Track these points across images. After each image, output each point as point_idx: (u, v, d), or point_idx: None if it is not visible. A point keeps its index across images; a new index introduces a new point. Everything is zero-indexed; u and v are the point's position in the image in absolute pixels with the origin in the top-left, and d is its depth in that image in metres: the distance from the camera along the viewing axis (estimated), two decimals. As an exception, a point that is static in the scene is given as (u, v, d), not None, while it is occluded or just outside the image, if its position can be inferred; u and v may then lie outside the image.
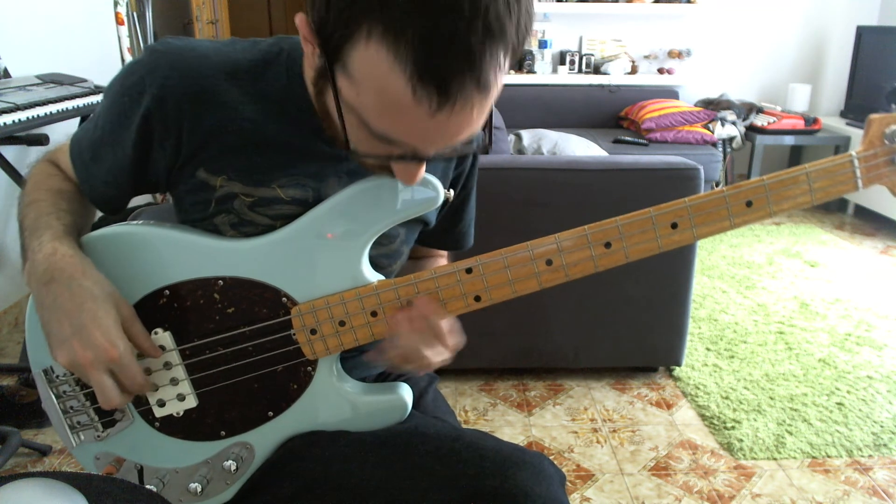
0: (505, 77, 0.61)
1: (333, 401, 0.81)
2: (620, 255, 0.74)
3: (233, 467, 0.81)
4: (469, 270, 0.75)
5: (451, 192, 0.79)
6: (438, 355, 0.77)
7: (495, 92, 0.60)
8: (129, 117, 0.75)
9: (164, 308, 0.78)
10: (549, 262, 0.74)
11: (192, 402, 0.80)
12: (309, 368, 0.80)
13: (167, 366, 0.79)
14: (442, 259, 1.02)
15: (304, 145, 0.77)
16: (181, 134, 0.75)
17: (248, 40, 0.79)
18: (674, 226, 0.73)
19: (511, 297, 0.76)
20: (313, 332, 0.78)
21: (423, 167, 0.68)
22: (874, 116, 0.73)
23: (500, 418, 1.98)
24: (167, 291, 0.78)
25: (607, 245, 0.74)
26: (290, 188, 0.78)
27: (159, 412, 0.80)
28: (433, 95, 0.56)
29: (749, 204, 0.73)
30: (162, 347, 0.78)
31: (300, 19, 0.63)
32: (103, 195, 0.83)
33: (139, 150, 0.76)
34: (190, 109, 0.74)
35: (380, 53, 0.56)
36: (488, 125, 0.66)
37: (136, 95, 0.74)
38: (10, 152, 2.22)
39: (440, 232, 0.95)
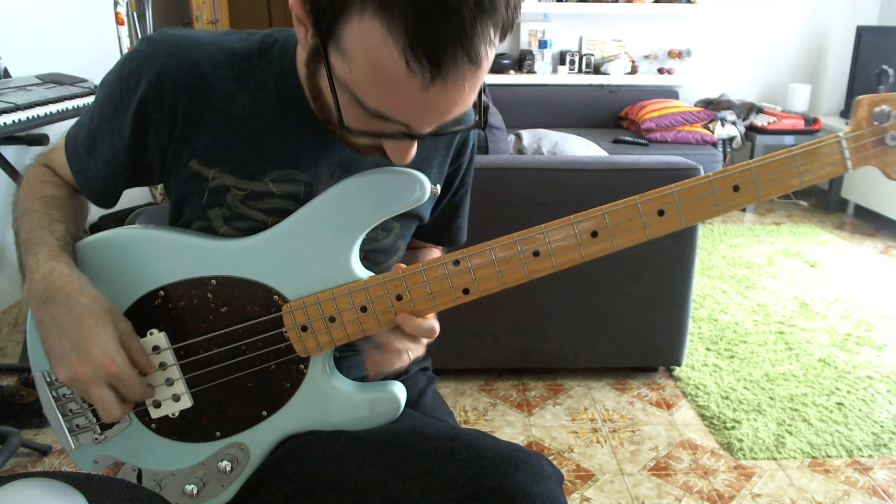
0: (495, 52, 0.62)
1: (326, 399, 0.81)
2: (607, 244, 0.74)
3: (228, 468, 0.81)
4: (456, 263, 0.75)
5: (438, 186, 0.80)
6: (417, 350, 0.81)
7: (486, 67, 0.61)
8: (125, 105, 0.76)
9: (159, 309, 0.79)
10: (535, 253, 0.74)
11: (187, 402, 0.80)
12: (301, 366, 0.80)
13: (162, 366, 0.79)
14: (436, 251, 1.03)
15: (297, 135, 0.78)
16: (175, 120, 0.76)
17: (244, 31, 0.80)
18: (660, 213, 0.73)
19: (499, 289, 0.76)
20: (304, 328, 0.78)
21: (415, 146, 0.68)
22: (862, 97, 0.72)
23: (500, 418, 1.98)
24: (162, 292, 0.79)
25: (594, 234, 0.74)
26: (282, 183, 0.79)
27: (155, 413, 0.81)
28: (426, 68, 0.57)
29: (736, 188, 0.72)
30: (157, 348, 0.79)
31: (293, 0, 0.64)
32: (98, 187, 0.83)
33: (135, 137, 0.77)
34: (185, 96, 0.75)
35: (373, 27, 0.57)
36: (479, 101, 0.66)
37: (133, 83, 0.75)
38: (10, 152, 2.22)
39: (436, 229, 0.97)
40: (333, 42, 0.61)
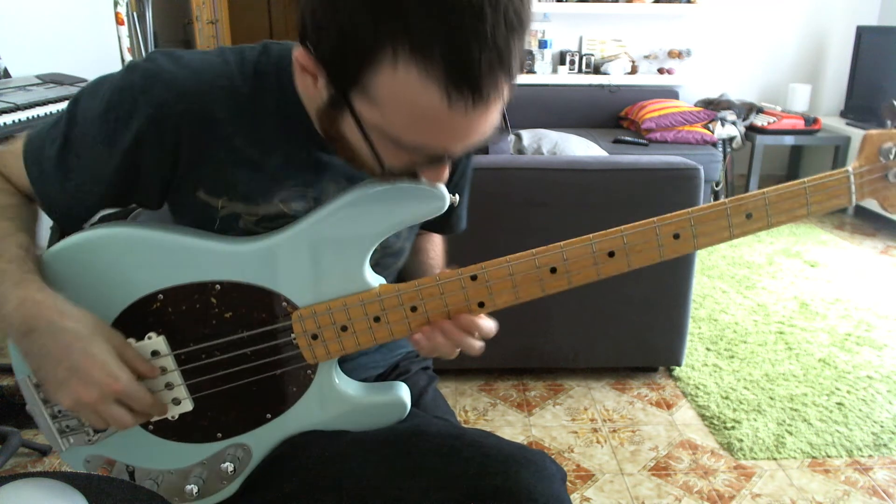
0: None
1: (332, 402, 0.81)
2: (623, 264, 0.75)
3: (230, 469, 0.80)
4: (474, 277, 0.75)
5: (457, 196, 0.79)
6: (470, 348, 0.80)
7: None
8: (115, 137, 0.72)
9: (158, 312, 0.77)
10: (553, 270, 0.75)
11: (187, 405, 0.79)
12: (308, 372, 0.79)
13: (162, 371, 0.77)
14: (435, 238, 1.02)
15: (301, 155, 0.77)
16: (178, 154, 0.74)
17: (236, 50, 0.77)
18: (676, 236, 0.75)
19: (514, 303, 0.77)
20: (314, 336, 0.77)
21: (448, 165, 0.69)
22: (871, 133, 0.76)
23: (500, 418, 1.98)
24: (161, 296, 0.76)
25: (611, 254, 0.75)
26: (293, 201, 0.78)
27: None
28: (468, 98, 0.58)
29: (749, 216, 0.75)
30: (156, 353, 0.77)
31: (300, 54, 0.63)
32: (65, 208, 0.79)
33: (125, 170, 0.74)
34: (187, 130, 0.72)
35: (409, 73, 0.57)
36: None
37: (126, 116, 0.71)
38: (10, 152, 2.22)
39: (436, 220, 0.96)
40: (358, 90, 0.61)
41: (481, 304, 0.76)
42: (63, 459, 0.82)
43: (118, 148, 0.73)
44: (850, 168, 0.75)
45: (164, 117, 0.71)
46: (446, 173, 0.70)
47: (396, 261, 0.88)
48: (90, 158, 0.75)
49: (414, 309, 0.76)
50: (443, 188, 0.75)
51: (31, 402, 0.80)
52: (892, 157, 0.75)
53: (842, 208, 0.76)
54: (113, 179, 0.75)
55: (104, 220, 0.84)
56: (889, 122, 0.78)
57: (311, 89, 0.66)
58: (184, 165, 0.74)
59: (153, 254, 0.76)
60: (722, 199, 0.75)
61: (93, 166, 0.75)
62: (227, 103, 0.73)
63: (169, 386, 0.78)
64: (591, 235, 0.75)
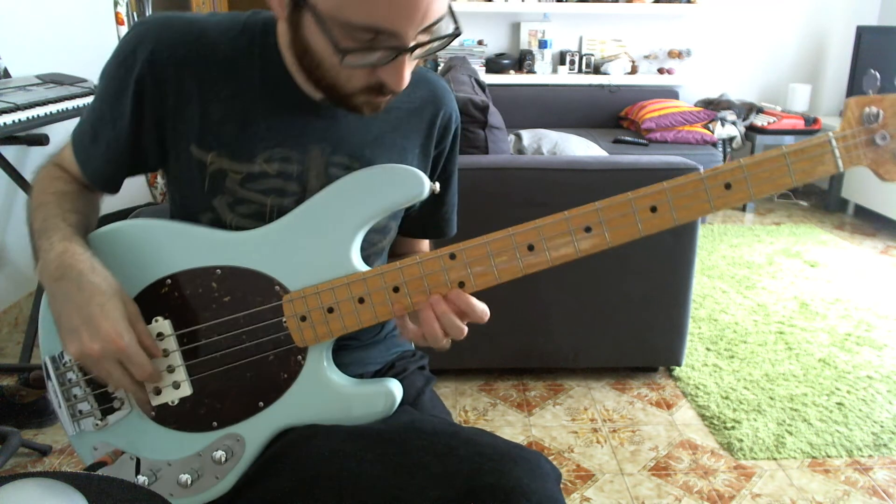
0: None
1: (323, 392, 0.82)
2: (601, 240, 0.75)
3: (222, 458, 0.82)
4: (452, 256, 0.76)
5: (437, 185, 0.82)
6: (459, 333, 0.78)
7: None
8: (124, 85, 0.79)
9: (166, 297, 0.82)
10: (530, 248, 0.76)
11: (186, 389, 0.82)
12: (299, 357, 0.81)
13: (164, 353, 0.81)
14: (425, 247, 1.03)
15: (283, 113, 0.81)
16: (166, 97, 0.79)
17: (228, 13, 0.84)
18: (653, 209, 0.74)
19: (495, 283, 0.77)
20: (303, 319, 0.79)
21: (409, 65, 0.71)
22: (851, 99, 0.74)
23: (500, 418, 1.98)
24: (169, 280, 0.82)
25: (587, 229, 0.75)
26: (275, 162, 0.82)
27: (155, 400, 0.82)
28: None
29: (728, 186, 0.73)
30: (160, 334, 0.81)
31: None
32: (101, 172, 0.87)
33: (134, 114, 0.81)
34: (178, 69, 0.78)
35: None
36: (452, 12, 0.71)
37: (130, 65, 0.79)
38: (10, 152, 2.22)
39: (422, 218, 0.97)
40: None
41: (462, 285, 0.77)
42: (72, 444, 0.86)
43: (128, 92, 0.80)
44: (831, 133, 0.73)
45: (158, 58, 0.78)
46: (407, 73, 0.71)
47: (381, 238, 0.90)
48: (111, 113, 0.82)
49: (396, 289, 0.78)
50: (422, 174, 0.79)
51: (49, 385, 0.84)
52: (877, 119, 0.72)
53: (830, 175, 0.74)
54: (129, 126, 0.81)
55: (103, 221, 0.88)
56: (870, 91, 0.75)
57: (280, 11, 0.70)
58: (174, 104, 0.80)
59: (162, 242, 0.83)
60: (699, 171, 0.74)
61: (114, 120, 0.82)
62: (214, 54, 0.79)
63: (170, 368, 0.82)
64: (566, 212, 0.75)
